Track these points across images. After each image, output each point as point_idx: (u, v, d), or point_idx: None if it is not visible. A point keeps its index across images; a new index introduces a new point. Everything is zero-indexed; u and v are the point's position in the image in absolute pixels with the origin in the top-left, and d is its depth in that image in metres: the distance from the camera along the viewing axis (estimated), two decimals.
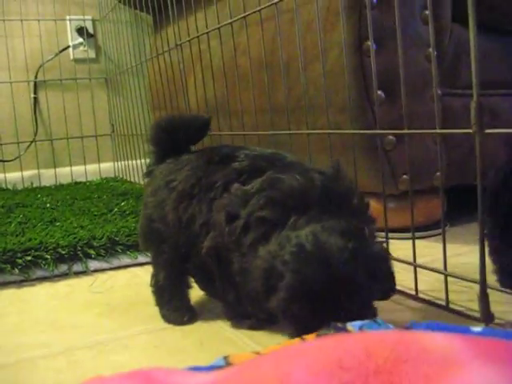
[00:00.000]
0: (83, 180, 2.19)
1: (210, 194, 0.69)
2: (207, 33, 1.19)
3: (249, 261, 0.60)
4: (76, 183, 2.14)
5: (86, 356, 0.66)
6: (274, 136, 1.05)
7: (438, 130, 0.69)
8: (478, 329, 0.50)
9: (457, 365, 0.31)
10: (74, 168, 2.22)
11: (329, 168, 0.66)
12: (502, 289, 0.64)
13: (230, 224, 0.63)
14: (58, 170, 2.21)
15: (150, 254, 0.83)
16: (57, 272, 1.01)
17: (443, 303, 0.71)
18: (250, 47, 1.09)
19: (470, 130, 0.61)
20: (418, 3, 1.06)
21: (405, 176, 1.05)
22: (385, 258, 0.60)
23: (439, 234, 1.12)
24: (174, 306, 0.76)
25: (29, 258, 0.99)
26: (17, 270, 0.98)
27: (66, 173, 2.21)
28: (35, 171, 2.19)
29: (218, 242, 0.65)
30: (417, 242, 0.99)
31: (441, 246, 0.95)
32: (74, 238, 1.06)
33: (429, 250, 1.00)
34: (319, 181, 0.62)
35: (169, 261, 0.76)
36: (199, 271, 0.76)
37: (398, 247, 0.85)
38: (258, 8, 0.98)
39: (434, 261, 0.89)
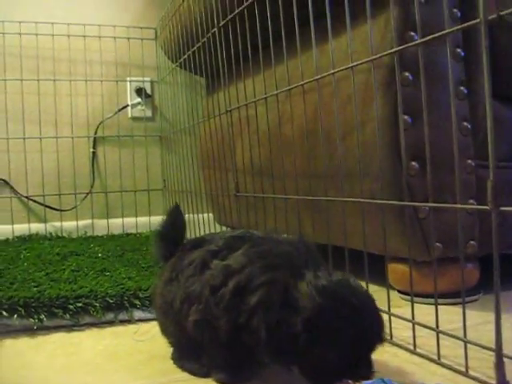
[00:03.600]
0: (134, 232, 2.29)
1: (188, 272, 0.76)
2: (254, 102, 1.28)
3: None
4: (127, 234, 2.24)
5: None
6: (313, 201, 1.11)
7: (459, 205, 0.74)
8: None
9: None
10: (126, 220, 2.33)
11: (295, 238, 0.76)
12: None
13: (214, 295, 0.70)
14: (110, 220, 2.32)
15: None
16: (104, 319, 1.08)
17: (463, 369, 0.74)
18: (294, 116, 1.17)
19: (487, 207, 0.66)
20: (453, 79, 1.12)
21: (438, 244, 1.09)
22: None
23: (473, 301, 1.15)
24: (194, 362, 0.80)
25: (79, 304, 1.07)
26: (68, 316, 1.06)
27: (118, 224, 2.32)
28: (89, 221, 2.31)
29: (204, 314, 0.71)
30: (449, 307, 1.03)
31: (473, 312, 0.98)
32: (122, 288, 1.14)
33: (458, 316, 1.03)
34: (302, 247, 0.72)
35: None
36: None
37: (428, 312, 0.89)
38: (301, 82, 1.06)
39: (461, 327, 0.92)
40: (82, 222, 2.29)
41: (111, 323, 1.08)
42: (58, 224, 2.26)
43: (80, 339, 1.00)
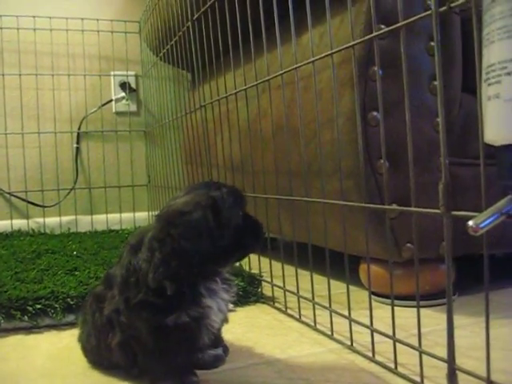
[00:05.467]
0: (118, 228, 2.26)
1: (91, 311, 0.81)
2: (226, 97, 1.25)
3: None
4: (110, 231, 2.21)
5: None
6: (280, 199, 1.08)
7: (413, 209, 0.70)
8: None
9: None
10: (110, 216, 2.30)
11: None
12: (470, 370, 0.64)
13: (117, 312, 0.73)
14: (94, 216, 2.30)
15: None
16: (64, 321, 1.05)
17: (419, 379, 0.71)
18: (265, 112, 1.13)
19: (439, 211, 0.63)
20: (426, 74, 1.08)
21: (408, 244, 1.06)
22: None
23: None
24: None
25: (39, 306, 1.04)
26: (26, 318, 1.03)
27: (102, 220, 2.29)
28: (73, 217, 2.28)
29: (122, 333, 0.73)
30: (421, 310, 0.99)
31: (445, 316, 0.94)
32: (85, 288, 1.11)
33: (428, 320, 0.99)
34: None
35: None
36: None
37: (398, 315, 0.85)
38: (267, 78, 1.03)
39: (429, 332, 0.89)
40: (65, 218, 2.26)
41: (72, 325, 1.05)
42: (40, 220, 2.23)
43: (36, 342, 0.97)
